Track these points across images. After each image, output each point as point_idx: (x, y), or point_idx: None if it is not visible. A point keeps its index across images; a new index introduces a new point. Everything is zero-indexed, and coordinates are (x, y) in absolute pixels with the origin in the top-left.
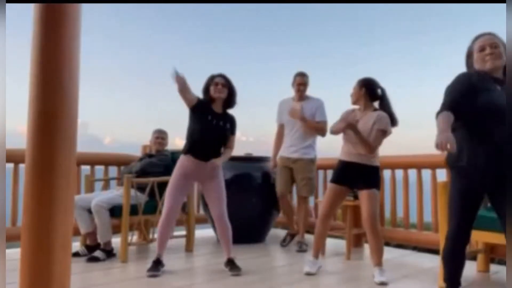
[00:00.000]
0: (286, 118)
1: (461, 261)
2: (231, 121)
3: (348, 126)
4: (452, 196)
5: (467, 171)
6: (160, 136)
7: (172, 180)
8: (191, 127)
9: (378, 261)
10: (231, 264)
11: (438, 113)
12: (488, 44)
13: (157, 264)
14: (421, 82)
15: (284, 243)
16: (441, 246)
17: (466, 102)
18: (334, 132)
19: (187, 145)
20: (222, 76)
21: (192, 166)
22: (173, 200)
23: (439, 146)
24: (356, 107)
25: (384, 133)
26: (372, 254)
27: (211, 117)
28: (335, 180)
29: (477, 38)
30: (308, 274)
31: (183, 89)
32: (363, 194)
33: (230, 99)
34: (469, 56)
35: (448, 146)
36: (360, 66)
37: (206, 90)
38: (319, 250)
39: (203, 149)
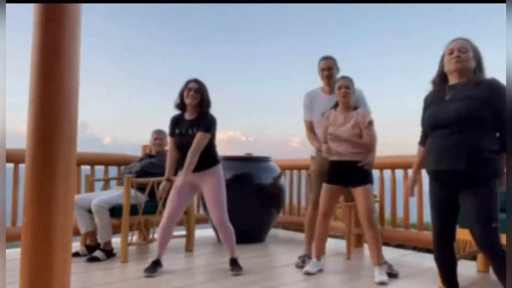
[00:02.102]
0: (319, 114)
1: (452, 261)
2: (205, 121)
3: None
4: (431, 200)
5: (435, 175)
6: (159, 137)
7: (174, 185)
8: None
9: (378, 260)
10: (233, 263)
11: (418, 143)
12: (457, 48)
13: (156, 265)
14: (421, 81)
15: (303, 264)
16: None
17: None
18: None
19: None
20: (196, 81)
21: (187, 177)
22: (174, 204)
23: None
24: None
25: (371, 124)
26: (371, 252)
27: (179, 130)
28: (328, 180)
29: (450, 42)
30: (307, 273)
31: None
32: (358, 191)
33: (203, 105)
34: (443, 58)
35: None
36: (357, 63)
37: (181, 95)
38: (321, 251)
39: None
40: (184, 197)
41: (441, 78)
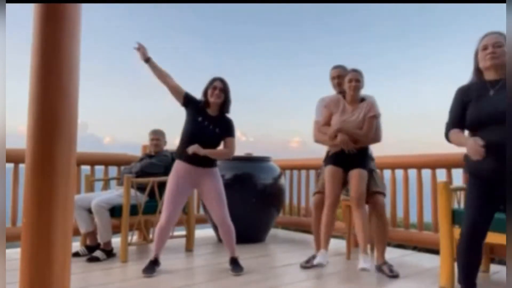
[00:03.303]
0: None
1: (477, 258)
2: (225, 124)
3: (339, 133)
4: (468, 197)
5: (479, 175)
6: (155, 137)
7: (169, 186)
8: (183, 128)
9: (364, 246)
10: (233, 263)
11: (446, 134)
12: (491, 43)
13: (153, 264)
14: (420, 81)
15: (307, 264)
16: (441, 246)
17: (463, 115)
18: (318, 142)
19: (179, 148)
20: (221, 80)
21: (186, 171)
22: (172, 206)
23: (477, 155)
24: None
25: (375, 118)
26: (358, 236)
27: (202, 119)
28: (332, 162)
29: (484, 37)
30: (320, 265)
31: (153, 66)
32: (353, 173)
33: (226, 105)
34: (476, 54)
35: (480, 150)
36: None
37: (205, 92)
38: (329, 239)
39: (193, 153)
40: (183, 197)
41: (477, 74)
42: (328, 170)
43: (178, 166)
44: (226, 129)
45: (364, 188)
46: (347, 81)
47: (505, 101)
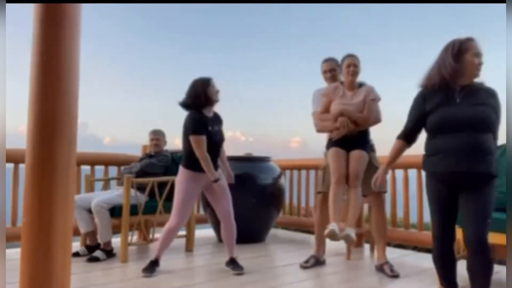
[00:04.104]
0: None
1: (452, 262)
2: (220, 120)
3: (340, 118)
4: (428, 200)
5: (435, 176)
6: (155, 137)
7: (179, 192)
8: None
9: (352, 222)
10: (233, 263)
11: (397, 137)
12: (481, 54)
13: (153, 265)
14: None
15: (307, 264)
16: None
17: (422, 122)
18: (322, 130)
19: (189, 159)
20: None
21: (196, 178)
22: (185, 210)
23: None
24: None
25: (375, 101)
26: (349, 212)
27: (211, 127)
28: (334, 145)
29: (470, 40)
30: (332, 235)
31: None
32: (353, 154)
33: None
34: (461, 52)
35: (378, 183)
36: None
37: (205, 93)
38: (338, 214)
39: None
40: (193, 202)
41: (454, 76)
42: (332, 151)
43: (187, 174)
44: (221, 125)
45: (361, 169)
46: (345, 67)
47: (471, 108)
